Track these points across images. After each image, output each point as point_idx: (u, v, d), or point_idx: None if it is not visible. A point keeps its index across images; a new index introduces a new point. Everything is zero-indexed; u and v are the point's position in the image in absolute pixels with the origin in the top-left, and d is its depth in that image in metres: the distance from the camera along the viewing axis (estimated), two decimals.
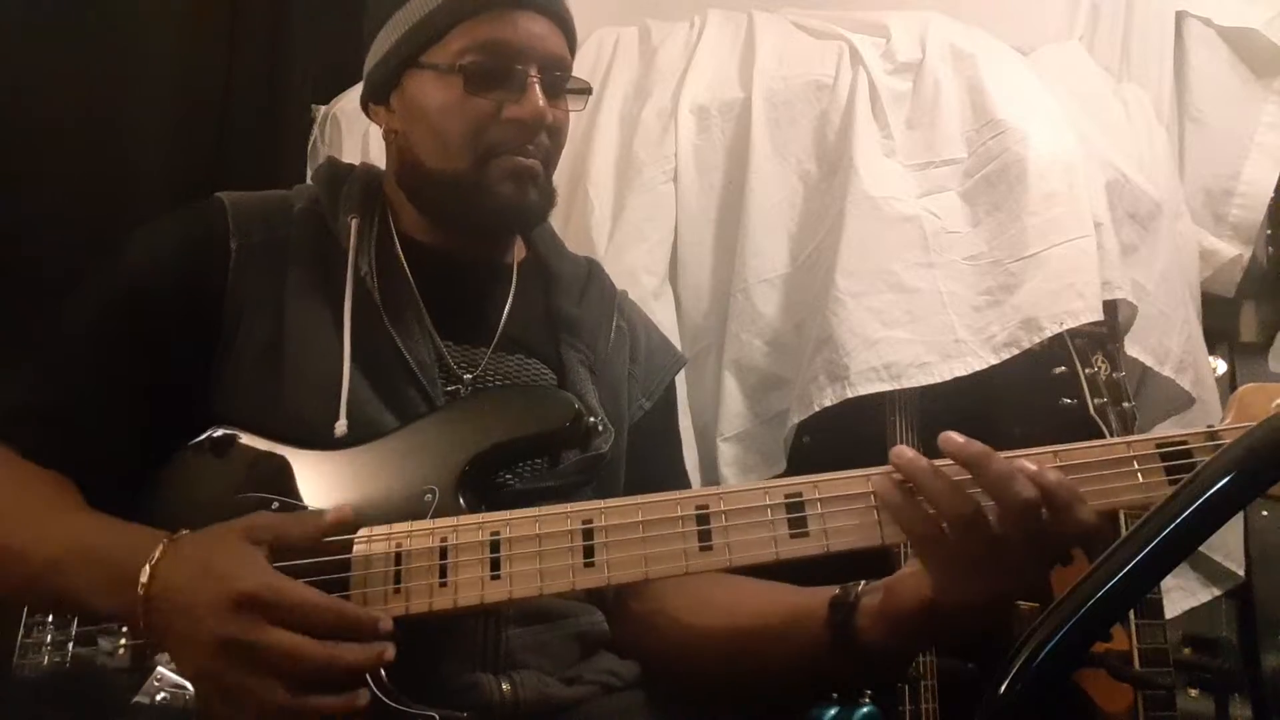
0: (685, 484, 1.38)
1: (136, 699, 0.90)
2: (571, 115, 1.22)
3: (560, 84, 1.19)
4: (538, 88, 1.14)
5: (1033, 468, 0.85)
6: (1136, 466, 0.88)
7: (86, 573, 0.91)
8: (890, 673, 1.35)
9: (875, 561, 0.98)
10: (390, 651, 0.88)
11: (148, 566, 0.88)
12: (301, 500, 1.01)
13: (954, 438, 0.88)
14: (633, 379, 1.28)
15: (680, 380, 1.74)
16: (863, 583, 1.02)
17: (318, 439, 1.04)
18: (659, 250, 1.85)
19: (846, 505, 0.91)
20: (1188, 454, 0.88)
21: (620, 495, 1.16)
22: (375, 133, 2.00)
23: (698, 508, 0.93)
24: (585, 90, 1.23)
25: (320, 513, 0.96)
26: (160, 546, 0.89)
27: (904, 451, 0.89)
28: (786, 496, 0.92)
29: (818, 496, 0.91)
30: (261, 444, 1.05)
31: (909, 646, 1.01)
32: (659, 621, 1.16)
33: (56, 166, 1.91)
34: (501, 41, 1.14)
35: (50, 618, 0.98)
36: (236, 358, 1.09)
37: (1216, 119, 2.01)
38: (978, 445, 0.87)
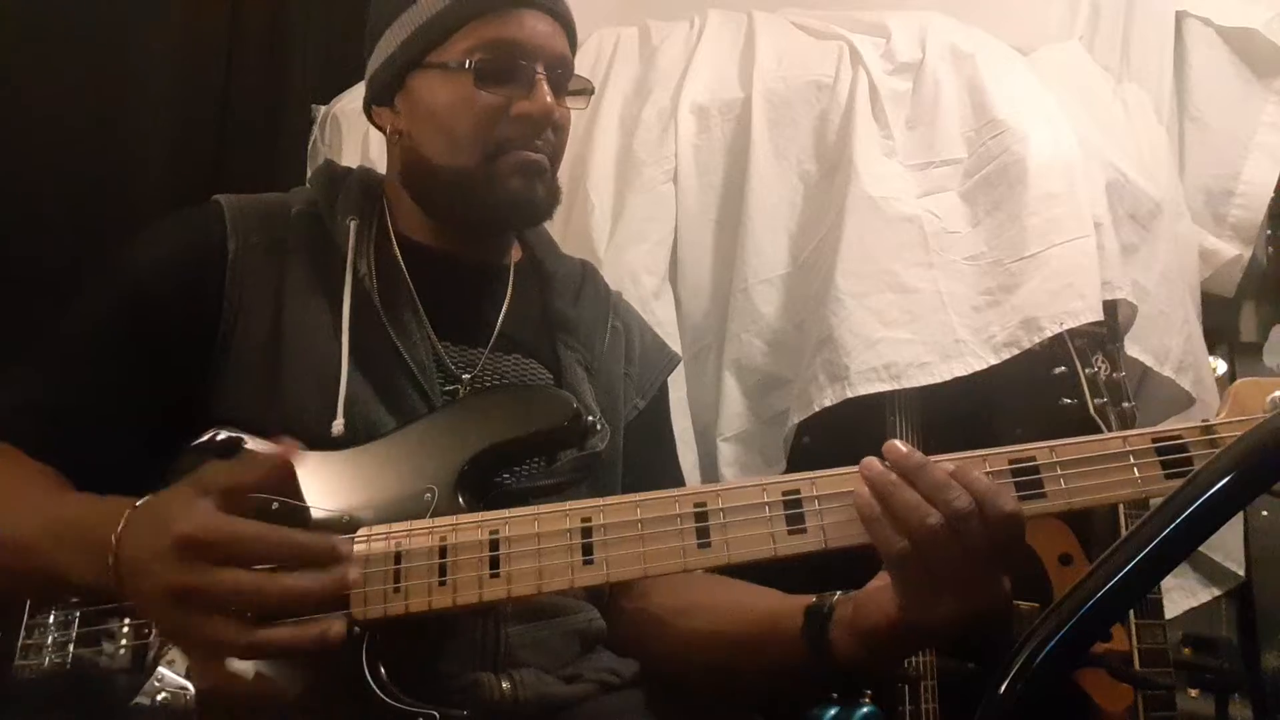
0: (680, 482, 1.38)
1: (137, 700, 0.90)
2: (573, 114, 1.23)
3: (564, 82, 1.20)
4: (545, 84, 1.15)
5: (961, 470, 0.86)
6: (1132, 461, 0.88)
7: (64, 547, 0.91)
8: (868, 678, 1.37)
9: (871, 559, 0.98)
10: (354, 574, 0.87)
11: (114, 534, 0.88)
12: (303, 501, 1.01)
13: (897, 446, 0.88)
14: (628, 379, 1.28)
15: (680, 380, 1.75)
16: (838, 593, 1.02)
17: (316, 439, 1.04)
18: (659, 250, 1.85)
19: (844, 501, 0.90)
20: (1183, 448, 0.88)
21: (617, 495, 1.17)
22: (375, 133, 2.00)
23: (696, 505, 0.93)
24: (588, 90, 1.25)
25: (263, 453, 0.96)
26: (125, 513, 0.89)
27: (873, 464, 0.89)
28: (784, 493, 0.92)
29: (815, 494, 0.91)
30: (263, 446, 1.05)
31: (880, 659, 1.00)
32: (645, 620, 1.17)
33: (57, 167, 1.91)
34: (510, 40, 1.15)
35: (51, 619, 0.98)
36: (235, 359, 1.09)
37: (1216, 119, 2.01)
38: (916, 456, 0.87)
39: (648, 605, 1.17)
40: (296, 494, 0.95)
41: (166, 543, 0.84)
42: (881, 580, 0.95)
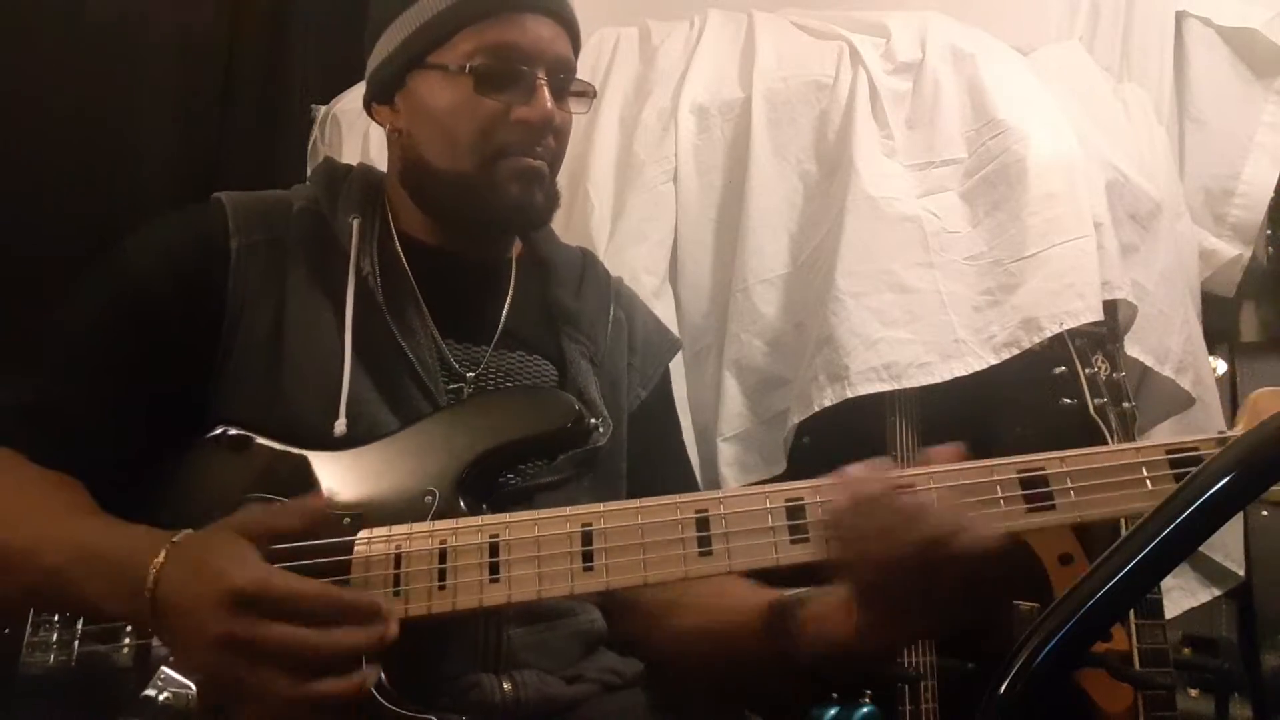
0: (687, 469, 1.38)
1: (145, 692, 0.91)
2: (574, 118, 1.22)
3: (566, 86, 1.19)
4: (546, 90, 1.14)
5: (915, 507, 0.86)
6: (1145, 474, 0.86)
7: (96, 578, 0.91)
8: (839, 681, 1.39)
9: None
10: (393, 630, 0.87)
11: (152, 571, 0.87)
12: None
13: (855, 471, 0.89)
14: (632, 369, 1.28)
15: (680, 380, 1.75)
16: (799, 593, 1.02)
17: (319, 439, 1.04)
18: (659, 250, 1.85)
19: None
20: (1199, 461, 0.85)
21: (622, 485, 1.17)
22: (375, 133, 2.01)
23: (697, 512, 0.93)
24: (589, 93, 1.24)
25: (305, 500, 0.96)
26: (164, 551, 0.89)
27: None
28: (787, 501, 0.92)
29: (819, 501, 0.91)
30: (268, 445, 1.05)
31: (847, 667, 1.03)
32: (639, 615, 1.17)
33: (57, 166, 1.91)
34: (511, 44, 1.14)
35: (56, 617, 0.98)
36: (237, 358, 1.09)
37: (1216, 119, 2.01)
38: (873, 483, 0.88)
39: (641, 599, 1.15)
40: (341, 552, 0.96)
41: (217, 593, 0.84)
42: (840, 594, 0.95)
